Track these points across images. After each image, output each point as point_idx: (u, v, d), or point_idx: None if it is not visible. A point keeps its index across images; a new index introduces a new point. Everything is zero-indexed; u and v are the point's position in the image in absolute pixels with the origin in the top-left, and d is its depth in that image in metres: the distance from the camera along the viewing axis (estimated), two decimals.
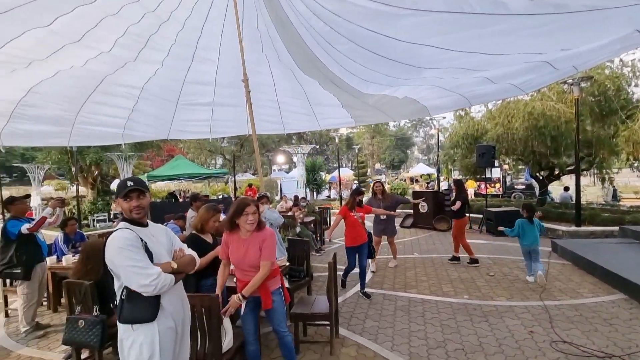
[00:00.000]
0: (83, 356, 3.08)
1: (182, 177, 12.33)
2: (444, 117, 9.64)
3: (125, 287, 1.76)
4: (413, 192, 11.60)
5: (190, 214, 4.95)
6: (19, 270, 3.73)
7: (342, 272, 4.64)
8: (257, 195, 4.23)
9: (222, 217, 3.36)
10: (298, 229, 6.40)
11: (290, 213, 7.07)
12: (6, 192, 10.66)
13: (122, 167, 12.54)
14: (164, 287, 1.75)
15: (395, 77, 4.09)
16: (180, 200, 13.28)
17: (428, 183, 20.15)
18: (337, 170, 17.40)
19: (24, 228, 3.73)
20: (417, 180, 23.97)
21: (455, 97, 4.15)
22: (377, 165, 40.47)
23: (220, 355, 2.37)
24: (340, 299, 4.31)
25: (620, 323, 3.54)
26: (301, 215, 7.09)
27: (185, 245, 2.12)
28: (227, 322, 2.57)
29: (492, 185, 17.28)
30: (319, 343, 3.37)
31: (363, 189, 4.23)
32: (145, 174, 12.46)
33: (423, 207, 9.59)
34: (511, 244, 6.83)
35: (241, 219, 2.44)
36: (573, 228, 7.55)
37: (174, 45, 4.11)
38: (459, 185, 6.22)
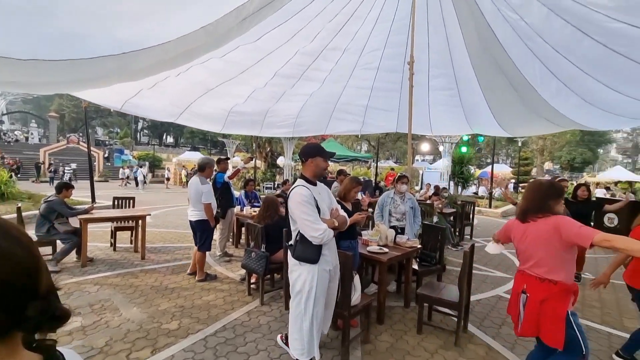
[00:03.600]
0: (252, 280, 4.09)
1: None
2: None
3: (300, 232, 2.25)
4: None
5: (335, 184, 5.71)
6: (219, 210, 5.20)
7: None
8: (398, 175, 4.37)
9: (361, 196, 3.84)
10: (435, 219, 6.17)
11: (428, 202, 6.87)
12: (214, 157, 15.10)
13: (287, 146, 14.95)
14: (328, 239, 2.21)
15: None
16: (328, 178, 14.91)
17: (625, 192, 15.15)
18: (491, 165, 15.26)
19: (225, 176, 5.30)
20: (607, 188, 18.21)
21: None
22: (548, 165, 32.56)
23: (349, 306, 2.72)
24: (474, 297, 4.01)
25: None
26: (440, 205, 6.78)
27: (339, 205, 2.57)
28: (357, 280, 2.90)
29: None
30: (443, 331, 3.30)
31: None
32: None
33: (611, 220, 7.50)
34: None
35: (558, 200, 1.98)
36: None
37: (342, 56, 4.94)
38: None
